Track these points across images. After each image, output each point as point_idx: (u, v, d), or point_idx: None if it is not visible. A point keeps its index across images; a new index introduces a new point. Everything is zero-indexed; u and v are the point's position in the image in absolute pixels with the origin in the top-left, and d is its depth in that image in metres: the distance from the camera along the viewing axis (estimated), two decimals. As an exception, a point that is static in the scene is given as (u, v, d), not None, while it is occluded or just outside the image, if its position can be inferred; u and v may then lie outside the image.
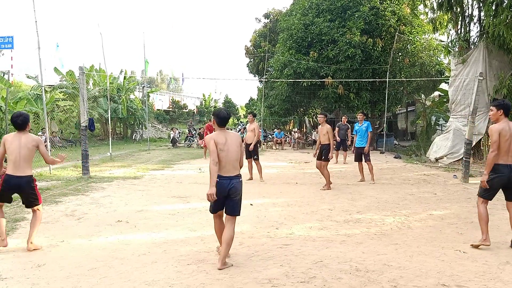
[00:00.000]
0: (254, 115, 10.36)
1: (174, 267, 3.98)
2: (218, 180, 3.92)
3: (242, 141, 5.18)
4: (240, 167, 4.19)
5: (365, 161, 9.67)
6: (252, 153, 9.82)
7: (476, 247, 4.62)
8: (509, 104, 4.82)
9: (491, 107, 4.98)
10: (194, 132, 24.43)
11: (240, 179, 4.12)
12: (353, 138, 11.66)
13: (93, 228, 5.37)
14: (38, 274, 3.79)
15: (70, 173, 10.59)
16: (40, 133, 19.37)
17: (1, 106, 18.27)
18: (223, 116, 4.12)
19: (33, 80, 22.69)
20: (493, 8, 11.25)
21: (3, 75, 18.07)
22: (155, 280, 3.66)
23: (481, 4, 12.76)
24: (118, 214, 6.15)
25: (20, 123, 4.54)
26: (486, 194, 4.78)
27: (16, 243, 4.68)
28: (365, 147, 9.53)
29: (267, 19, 30.27)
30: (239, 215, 4.17)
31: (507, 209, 4.87)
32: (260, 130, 15.40)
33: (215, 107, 43.10)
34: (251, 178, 9.92)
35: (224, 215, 4.17)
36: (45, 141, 13.75)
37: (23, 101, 19.75)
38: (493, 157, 4.66)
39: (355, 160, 9.97)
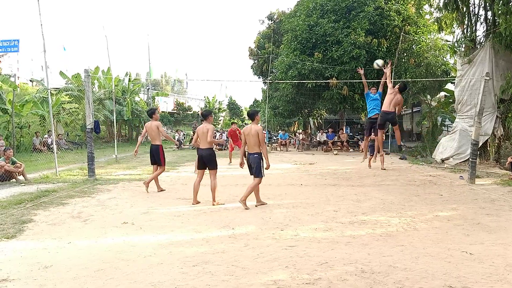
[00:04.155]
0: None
1: (179, 269, 3.99)
2: (246, 155, 6.77)
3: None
4: (262, 147, 6.64)
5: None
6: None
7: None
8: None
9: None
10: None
11: (256, 155, 6.63)
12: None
13: (99, 230, 5.41)
14: (45, 275, 3.82)
15: (76, 175, 10.66)
16: (46, 136, 19.55)
17: (8, 109, 18.45)
18: (249, 113, 6.91)
19: (39, 83, 22.86)
20: (503, 7, 11.13)
21: (9, 78, 18.18)
22: (160, 281, 3.68)
23: (487, 4, 12.65)
24: (123, 216, 6.19)
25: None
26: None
27: (23, 244, 4.73)
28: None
29: (271, 20, 30.27)
30: (261, 176, 6.67)
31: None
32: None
33: (219, 109, 43.46)
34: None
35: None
36: (51, 143, 13.83)
37: (30, 103, 19.91)
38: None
39: (377, 129, 10.47)
